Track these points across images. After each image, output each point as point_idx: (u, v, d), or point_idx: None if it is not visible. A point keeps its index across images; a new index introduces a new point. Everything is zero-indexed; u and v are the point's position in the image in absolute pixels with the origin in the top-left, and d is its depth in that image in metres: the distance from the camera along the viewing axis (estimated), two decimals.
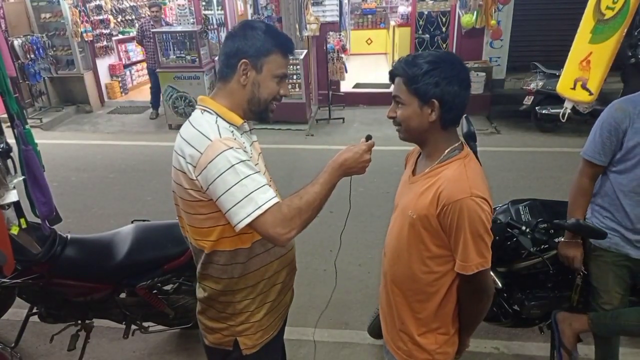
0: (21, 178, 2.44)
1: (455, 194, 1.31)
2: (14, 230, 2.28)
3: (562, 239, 2.09)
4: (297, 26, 7.16)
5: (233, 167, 1.26)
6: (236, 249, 1.44)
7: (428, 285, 1.47)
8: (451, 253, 1.40)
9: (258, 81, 1.41)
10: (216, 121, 1.37)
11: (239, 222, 1.27)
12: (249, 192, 1.26)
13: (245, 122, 1.46)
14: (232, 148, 1.28)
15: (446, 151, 1.42)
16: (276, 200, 1.29)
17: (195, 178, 1.31)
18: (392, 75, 1.43)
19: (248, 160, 1.30)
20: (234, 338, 1.56)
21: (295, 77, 6.92)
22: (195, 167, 1.30)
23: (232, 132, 1.38)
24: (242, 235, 1.38)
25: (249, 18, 9.21)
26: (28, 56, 7.20)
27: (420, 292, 1.49)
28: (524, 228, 2.09)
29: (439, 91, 1.33)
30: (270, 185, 1.39)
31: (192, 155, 1.30)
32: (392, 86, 1.44)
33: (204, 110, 1.42)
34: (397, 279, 1.55)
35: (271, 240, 1.35)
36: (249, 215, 1.26)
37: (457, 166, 1.39)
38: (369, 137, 1.48)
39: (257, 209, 1.26)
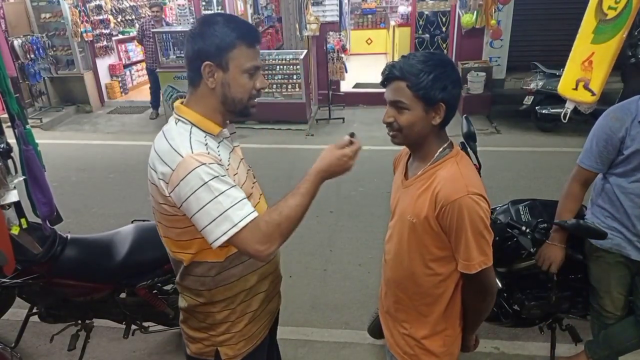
0: (22, 178, 2.44)
1: (452, 193, 1.31)
2: (15, 231, 2.28)
3: (547, 241, 2.09)
4: (297, 26, 7.15)
5: (206, 184, 1.21)
6: (215, 261, 1.41)
7: (434, 287, 1.47)
8: (453, 254, 1.40)
9: (227, 81, 1.31)
10: (190, 132, 1.31)
11: (215, 240, 1.23)
12: (224, 209, 1.21)
13: (223, 129, 1.39)
14: (204, 164, 1.22)
15: (438, 151, 1.42)
16: (254, 216, 1.24)
17: (168, 195, 1.27)
18: (389, 79, 1.37)
19: (223, 176, 1.24)
20: (215, 348, 1.53)
21: (295, 77, 6.92)
22: (167, 183, 1.25)
23: (206, 144, 1.30)
24: (222, 247, 1.30)
25: (249, 18, 9.21)
26: (28, 56, 7.20)
27: (426, 295, 1.49)
28: (524, 228, 2.09)
29: (446, 95, 1.32)
30: (249, 197, 1.32)
31: (164, 172, 1.26)
32: (388, 90, 1.38)
33: (179, 120, 1.35)
34: (402, 284, 1.55)
35: (251, 257, 1.32)
36: (224, 234, 1.22)
37: (450, 165, 1.38)
38: (352, 135, 1.39)
39: (233, 227, 1.21)
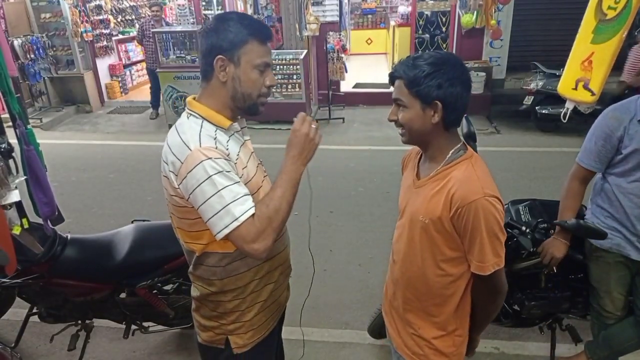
0: (23, 178, 2.44)
1: (468, 195, 1.31)
2: (16, 230, 2.28)
3: (553, 236, 2.08)
4: (297, 26, 7.16)
5: (210, 178, 1.25)
6: (225, 252, 1.44)
7: (444, 288, 1.47)
8: (465, 255, 1.40)
9: (238, 75, 1.36)
10: (201, 126, 1.35)
11: (218, 233, 1.28)
12: (226, 203, 1.26)
13: (234, 123, 1.42)
14: (210, 158, 1.27)
15: (450, 152, 1.41)
16: (253, 211, 1.29)
17: (177, 186, 1.32)
18: (393, 78, 1.41)
19: (228, 171, 1.28)
20: (226, 336, 1.56)
21: (295, 77, 6.92)
22: (177, 175, 1.30)
23: (215, 138, 1.34)
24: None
25: None
26: (28, 56, 7.20)
27: (436, 295, 1.49)
28: (524, 228, 2.09)
29: (441, 93, 1.32)
30: (260, 190, 1.36)
31: (174, 163, 1.31)
32: (393, 89, 1.42)
33: (191, 114, 1.40)
34: (411, 285, 1.54)
35: (248, 255, 1.35)
36: (227, 227, 1.26)
37: (465, 167, 1.38)
38: (296, 116, 1.43)
39: (234, 221, 1.26)
